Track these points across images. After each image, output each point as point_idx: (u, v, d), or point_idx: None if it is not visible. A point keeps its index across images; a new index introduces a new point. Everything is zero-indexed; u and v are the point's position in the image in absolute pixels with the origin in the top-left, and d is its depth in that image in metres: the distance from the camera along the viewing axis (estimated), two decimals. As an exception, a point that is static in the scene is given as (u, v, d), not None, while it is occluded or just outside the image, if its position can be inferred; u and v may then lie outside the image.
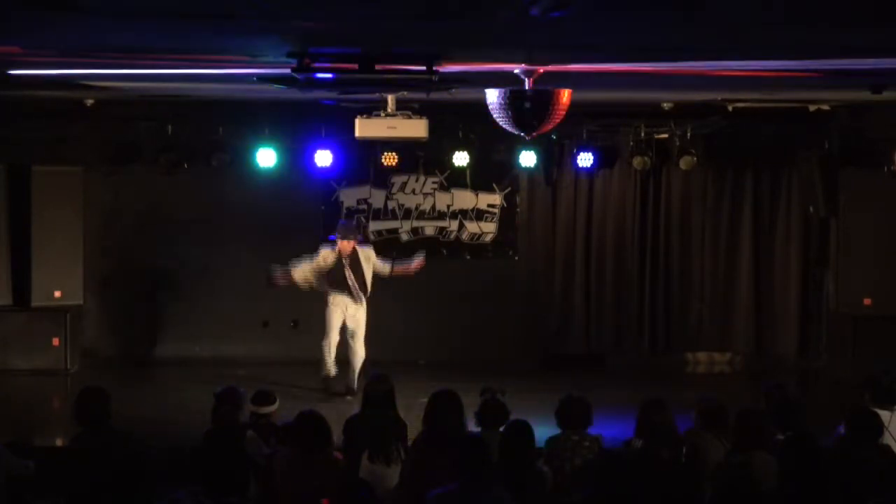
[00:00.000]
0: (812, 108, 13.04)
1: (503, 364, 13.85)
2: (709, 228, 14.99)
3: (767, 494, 6.80)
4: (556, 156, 14.81)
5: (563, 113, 8.16)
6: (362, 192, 14.86)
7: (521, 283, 15.06)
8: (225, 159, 13.99)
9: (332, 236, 12.72)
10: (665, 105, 13.42)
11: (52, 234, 13.91)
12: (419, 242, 14.94)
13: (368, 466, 7.82)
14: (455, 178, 14.84)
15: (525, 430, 7.49)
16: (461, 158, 14.17)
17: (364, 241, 13.38)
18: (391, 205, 14.91)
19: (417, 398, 8.68)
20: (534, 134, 8.36)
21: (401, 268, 12.95)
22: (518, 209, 15.04)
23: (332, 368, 12.64)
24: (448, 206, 14.98)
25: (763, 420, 7.87)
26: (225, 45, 7.50)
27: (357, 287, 12.54)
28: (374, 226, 14.75)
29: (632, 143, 14.30)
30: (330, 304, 12.62)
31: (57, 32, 6.86)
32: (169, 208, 14.66)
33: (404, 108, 10.40)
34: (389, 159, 13.95)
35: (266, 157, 13.88)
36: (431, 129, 10.40)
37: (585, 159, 14.28)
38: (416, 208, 14.93)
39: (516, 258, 15.12)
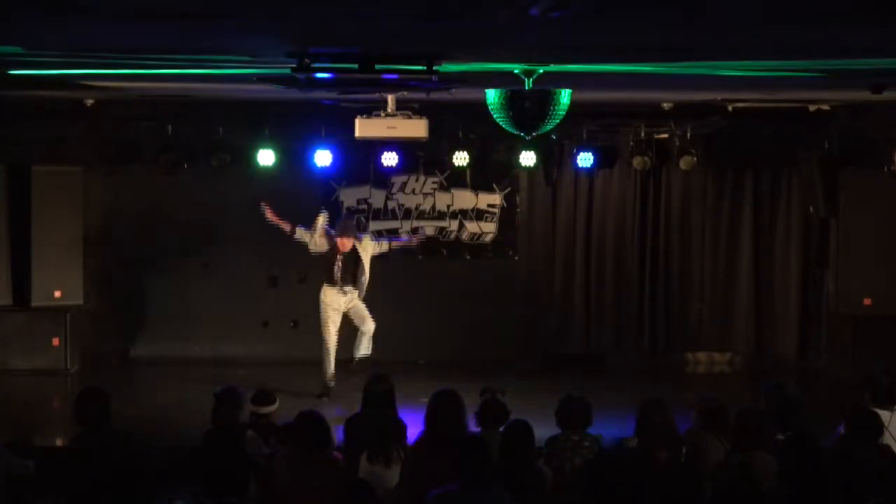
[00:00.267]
0: (812, 108, 13.05)
1: (503, 364, 13.84)
2: (709, 228, 14.99)
3: (767, 494, 6.79)
4: (556, 156, 14.81)
5: (563, 113, 8.16)
6: (362, 192, 14.86)
7: (521, 283, 15.06)
8: (225, 159, 13.98)
9: (329, 229, 12.66)
10: (665, 105, 13.42)
11: (52, 234, 13.91)
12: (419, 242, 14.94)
13: (368, 467, 7.82)
14: (455, 178, 14.84)
15: (525, 430, 7.49)
16: (461, 158, 14.17)
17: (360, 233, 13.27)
18: (391, 205, 14.91)
19: (417, 398, 8.68)
20: (534, 134, 8.37)
21: (398, 242, 12.97)
22: (518, 209, 15.04)
23: (332, 378, 12.52)
24: (448, 206, 14.98)
25: (763, 420, 7.87)
26: (225, 45, 7.50)
27: (344, 280, 12.50)
28: (374, 226, 14.75)
29: (632, 143, 14.30)
30: (322, 303, 12.55)
31: (57, 32, 6.86)
32: (169, 208, 14.66)
33: (404, 108, 10.40)
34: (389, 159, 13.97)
35: (266, 157, 13.88)
36: (431, 129, 10.39)
37: (585, 159, 14.28)
38: (416, 208, 14.93)
39: (516, 258, 15.12)
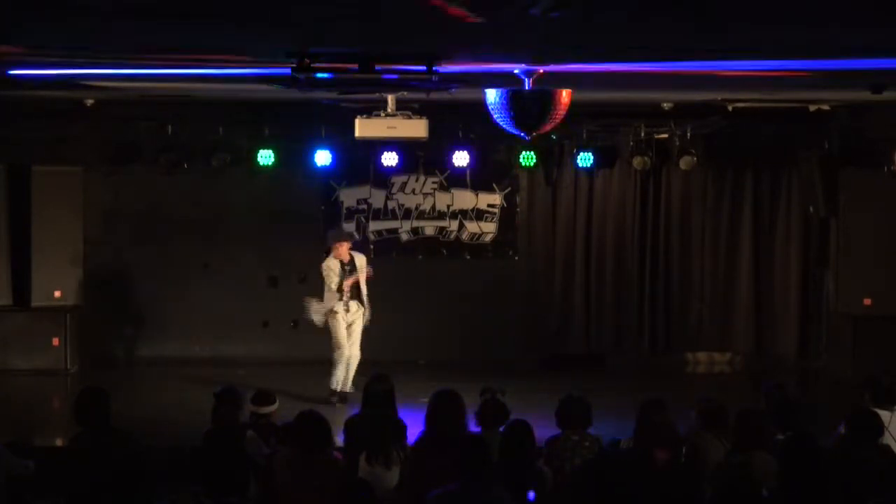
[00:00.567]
0: (812, 108, 13.05)
1: (503, 364, 13.84)
2: (709, 228, 15.00)
3: (767, 494, 6.80)
4: (556, 156, 14.81)
5: (563, 113, 8.16)
6: (362, 192, 14.86)
7: (521, 283, 15.06)
8: (225, 159, 13.98)
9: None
10: (665, 105, 13.42)
11: (52, 234, 13.91)
12: (419, 242, 14.96)
13: (367, 468, 7.81)
14: (455, 178, 14.84)
15: (525, 430, 7.49)
16: (461, 158, 14.17)
17: (357, 245, 13.19)
18: (391, 205, 14.91)
19: (417, 398, 8.68)
20: (534, 134, 8.36)
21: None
22: (518, 209, 15.04)
23: (339, 385, 12.41)
24: (448, 206, 14.98)
25: (763, 420, 7.87)
26: (225, 45, 7.50)
27: (350, 295, 12.44)
28: (374, 226, 14.75)
29: (632, 143, 14.31)
30: (330, 315, 12.47)
31: (57, 32, 6.86)
32: (169, 208, 14.67)
33: (404, 108, 10.40)
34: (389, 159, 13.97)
35: (266, 157, 13.88)
36: (431, 129, 10.40)
37: (585, 159, 14.28)
38: (416, 208, 14.93)
39: (516, 258, 15.12)
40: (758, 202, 14.91)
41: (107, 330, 14.66)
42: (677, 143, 14.23)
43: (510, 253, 15.12)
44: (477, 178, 14.84)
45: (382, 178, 14.76)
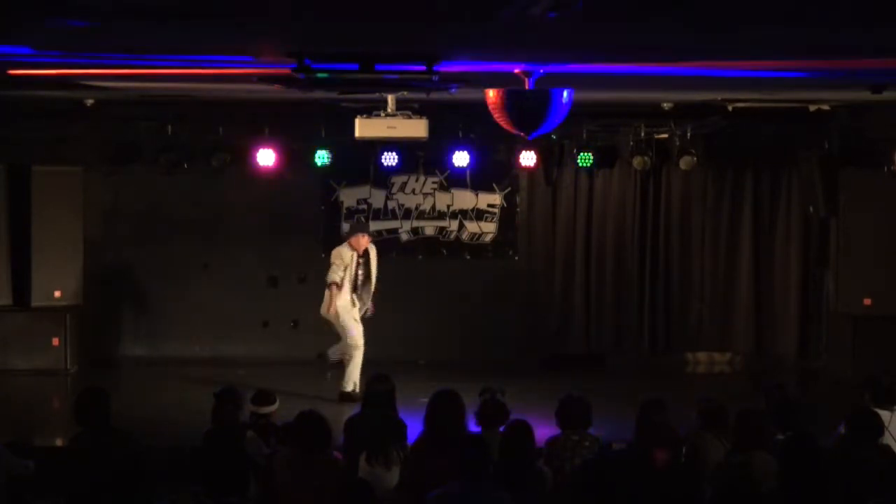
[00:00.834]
0: (812, 108, 13.04)
1: (503, 364, 13.84)
2: (709, 228, 15.00)
3: (767, 494, 6.80)
4: (556, 156, 14.81)
5: (563, 113, 8.16)
6: (362, 192, 14.86)
7: (521, 283, 15.06)
8: (225, 159, 13.97)
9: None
10: (665, 105, 13.41)
11: (52, 234, 13.90)
12: (419, 242, 14.97)
13: (367, 468, 7.81)
14: (455, 178, 14.84)
15: (525, 430, 7.49)
16: (461, 158, 14.16)
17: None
18: (391, 205, 14.91)
19: (417, 398, 8.68)
20: (534, 134, 8.36)
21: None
22: (518, 209, 15.04)
23: (353, 387, 12.33)
24: (448, 206, 14.98)
25: (763, 420, 7.87)
26: (225, 45, 7.50)
27: (363, 288, 12.47)
28: (374, 226, 14.73)
29: (632, 143, 14.31)
30: (341, 312, 12.38)
31: (57, 32, 6.86)
32: (169, 208, 14.67)
33: (404, 108, 10.39)
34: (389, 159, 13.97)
35: (266, 157, 13.87)
36: (431, 129, 10.39)
37: (585, 159, 14.28)
38: (416, 208, 14.93)
39: (516, 258, 15.12)
40: (758, 202, 14.91)
41: (107, 330, 14.65)
42: (677, 143, 14.22)
43: (510, 253, 15.12)
44: (477, 178, 14.83)
45: (382, 178, 14.76)
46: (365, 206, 14.86)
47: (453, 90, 9.17)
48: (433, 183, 14.91)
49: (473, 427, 8.06)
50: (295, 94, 9.99)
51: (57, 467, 8.05)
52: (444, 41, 7.07)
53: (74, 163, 14.11)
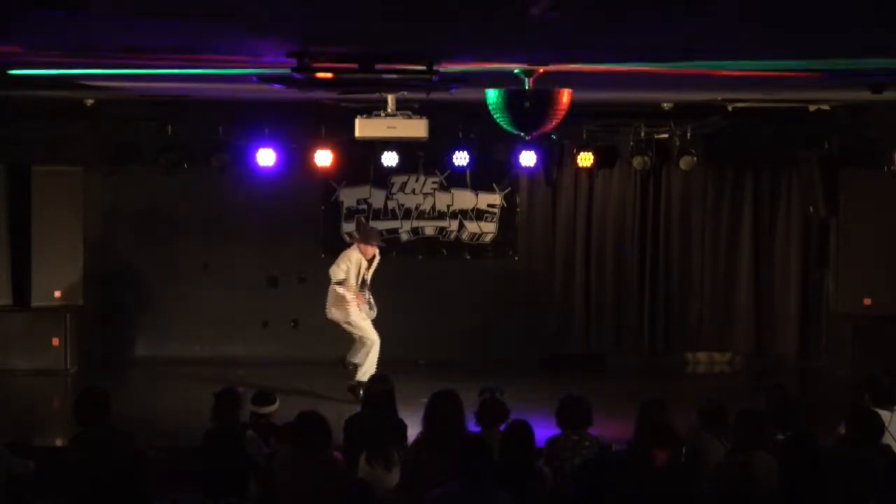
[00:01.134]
0: (812, 108, 13.04)
1: (503, 364, 13.83)
2: (709, 228, 15.00)
3: (767, 494, 6.80)
4: (556, 156, 14.81)
5: (563, 113, 8.16)
6: (362, 192, 14.86)
7: (521, 283, 15.06)
8: (225, 159, 13.97)
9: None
10: (665, 105, 13.41)
11: (52, 234, 13.91)
12: (419, 242, 14.97)
13: (367, 468, 7.81)
14: (455, 178, 14.84)
15: (525, 430, 7.48)
16: (461, 158, 14.16)
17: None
18: (391, 205, 14.92)
19: (417, 398, 8.68)
20: (534, 134, 8.36)
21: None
22: (518, 209, 15.04)
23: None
24: (448, 206, 14.98)
25: (763, 420, 7.87)
26: (225, 45, 7.50)
27: (370, 291, 12.52)
28: (374, 226, 14.72)
29: (632, 143, 14.31)
30: (352, 313, 12.42)
31: (57, 32, 6.86)
32: (169, 208, 14.67)
33: (404, 108, 10.39)
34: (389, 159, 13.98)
35: (266, 157, 13.87)
36: (431, 129, 10.39)
37: (585, 159, 14.28)
38: (416, 208, 14.94)
39: (516, 258, 15.12)
40: (758, 202, 14.91)
41: (107, 330, 14.65)
42: (677, 143, 14.23)
43: (510, 253, 15.12)
44: (477, 178, 14.84)
45: (382, 178, 14.76)
46: (365, 206, 14.87)
47: (453, 90, 9.17)
48: (433, 183, 14.91)
49: (473, 427, 8.06)
50: (295, 94, 9.98)
51: (57, 467, 8.05)
52: (444, 41, 7.07)
53: (74, 163, 14.11)
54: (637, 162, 14.23)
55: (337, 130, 13.22)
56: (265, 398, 8.75)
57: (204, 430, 7.99)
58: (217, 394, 8.61)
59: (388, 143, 13.43)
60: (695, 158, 14.15)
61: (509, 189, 14.99)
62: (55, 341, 13.91)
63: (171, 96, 12.65)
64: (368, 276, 12.57)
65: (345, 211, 14.80)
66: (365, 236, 12.78)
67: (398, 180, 14.86)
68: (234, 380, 11.51)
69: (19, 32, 6.88)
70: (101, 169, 14.42)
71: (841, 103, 12.94)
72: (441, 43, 7.14)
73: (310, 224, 14.75)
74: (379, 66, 7.57)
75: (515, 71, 8.16)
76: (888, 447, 7.89)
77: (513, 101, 8.05)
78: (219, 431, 8.04)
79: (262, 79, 9.07)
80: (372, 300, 12.59)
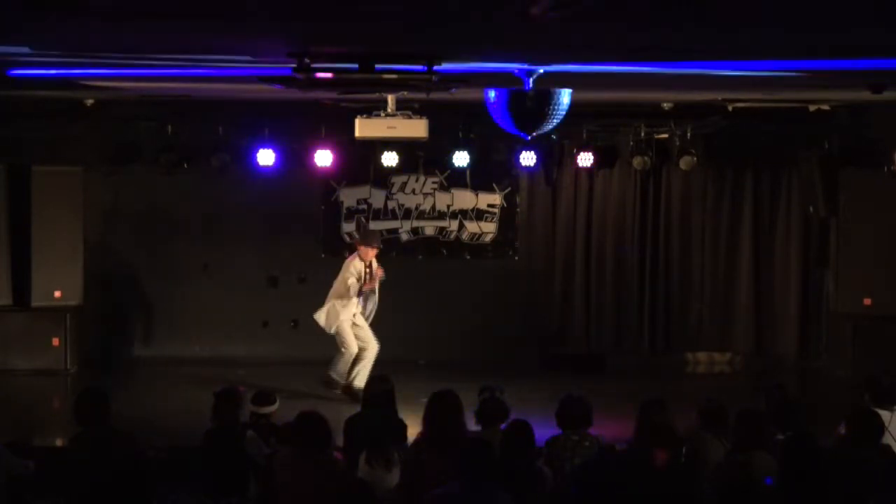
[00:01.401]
0: (812, 108, 13.04)
1: (503, 364, 13.83)
2: (709, 228, 15.00)
3: (767, 494, 6.80)
4: (556, 156, 14.81)
5: (563, 113, 8.16)
6: (362, 192, 14.86)
7: (521, 283, 15.06)
8: (225, 159, 13.97)
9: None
10: (665, 105, 13.42)
11: (52, 234, 13.90)
12: (419, 242, 14.97)
13: (367, 469, 7.81)
14: (455, 178, 14.84)
15: (525, 429, 7.49)
16: (461, 158, 14.16)
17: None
18: (391, 205, 14.92)
19: (417, 398, 8.68)
20: (534, 134, 8.36)
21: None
22: (518, 209, 15.04)
23: (342, 380, 12.44)
24: (448, 206, 14.98)
25: (763, 420, 7.87)
26: (225, 45, 7.50)
27: (368, 298, 12.51)
28: (374, 226, 14.74)
29: (632, 143, 14.31)
30: (341, 318, 12.43)
31: (57, 32, 6.86)
32: (169, 208, 14.68)
33: (404, 108, 10.39)
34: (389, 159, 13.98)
35: (266, 157, 13.87)
36: (431, 129, 10.39)
37: (585, 159, 14.28)
38: (416, 208, 14.94)
39: (516, 258, 15.13)
40: (758, 202, 14.91)
41: (107, 330, 14.66)
42: (677, 143, 14.23)
43: (510, 253, 15.12)
44: (477, 178, 14.84)
45: (382, 178, 14.77)
46: (365, 206, 14.87)
47: (453, 90, 9.17)
48: (433, 183, 14.91)
49: (473, 426, 8.06)
50: (295, 94, 9.98)
51: (57, 467, 8.05)
52: (444, 41, 7.07)
53: (74, 163, 14.11)
54: (637, 162, 14.23)
55: (337, 130, 13.22)
56: (265, 398, 8.75)
57: (204, 430, 8.00)
58: (217, 394, 8.61)
59: (388, 143, 13.44)
60: (695, 158, 14.15)
61: (509, 189, 14.99)
62: (55, 341, 13.91)
63: (171, 96, 12.65)
64: (376, 286, 12.50)
65: (345, 211, 14.80)
66: (365, 238, 12.79)
67: (398, 180, 14.86)
68: (234, 380, 11.51)
69: (20, 33, 6.88)
70: (101, 169, 14.43)
71: (841, 103, 12.94)
72: (441, 43, 7.14)
73: (310, 224, 14.76)
74: (379, 67, 7.57)
75: (515, 71, 8.15)
76: (888, 447, 7.89)
77: (513, 101, 8.05)
78: (219, 431, 8.05)
79: (262, 79, 9.07)
80: (371, 308, 12.54)
